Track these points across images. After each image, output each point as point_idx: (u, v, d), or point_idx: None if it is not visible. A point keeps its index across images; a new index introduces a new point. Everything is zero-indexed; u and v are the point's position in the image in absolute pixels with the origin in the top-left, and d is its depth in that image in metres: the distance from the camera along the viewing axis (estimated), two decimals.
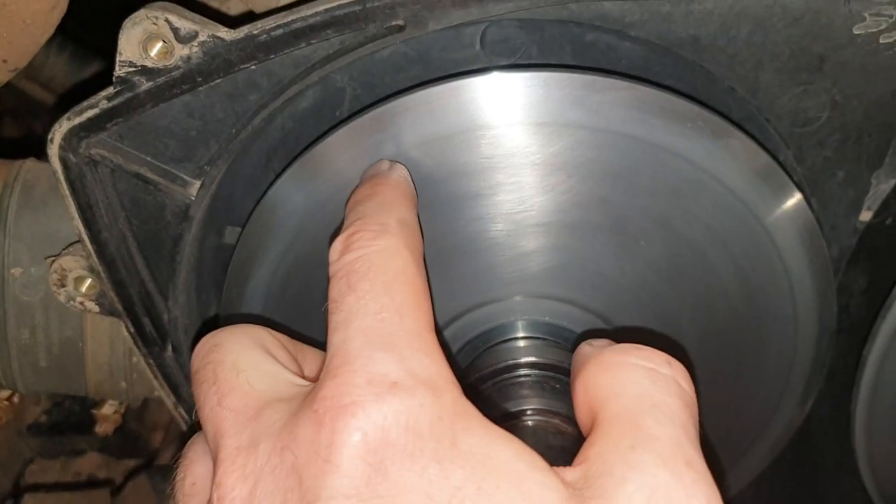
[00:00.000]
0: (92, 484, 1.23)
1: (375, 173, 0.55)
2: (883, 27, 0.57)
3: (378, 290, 0.43)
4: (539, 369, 0.60)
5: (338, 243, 0.47)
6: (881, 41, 0.57)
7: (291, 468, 0.37)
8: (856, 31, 0.57)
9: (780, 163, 0.60)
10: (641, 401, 0.40)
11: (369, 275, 0.44)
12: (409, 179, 0.56)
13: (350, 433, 0.37)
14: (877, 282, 0.69)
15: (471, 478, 0.36)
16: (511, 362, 0.61)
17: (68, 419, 1.35)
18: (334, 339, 0.42)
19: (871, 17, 0.56)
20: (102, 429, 1.03)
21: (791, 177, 0.61)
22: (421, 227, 0.52)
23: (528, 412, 0.57)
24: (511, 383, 0.60)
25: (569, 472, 0.38)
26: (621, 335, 0.63)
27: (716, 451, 0.73)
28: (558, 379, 0.59)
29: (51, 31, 0.75)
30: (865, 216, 0.66)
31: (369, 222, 0.48)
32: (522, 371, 0.60)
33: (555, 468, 0.38)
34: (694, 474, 0.37)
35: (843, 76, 0.59)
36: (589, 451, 0.39)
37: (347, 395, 0.38)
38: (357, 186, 0.55)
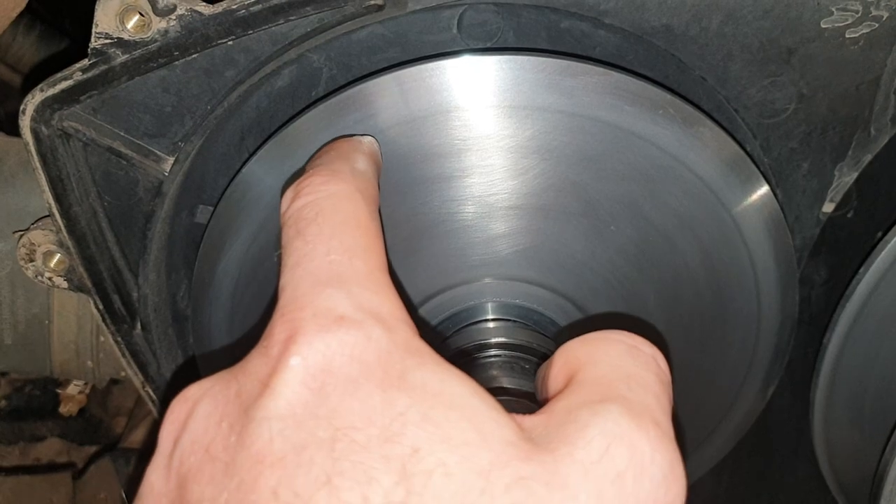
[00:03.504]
0: (53, 468, 1.22)
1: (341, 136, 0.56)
2: (849, 22, 0.58)
3: (326, 233, 0.43)
4: (509, 350, 0.61)
5: (289, 191, 0.46)
6: (847, 35, 0.59)
7: (235, 394, 0.38)
8: (823, 25, 0.58)
9: (747, 153, 0.61)
10: (618, 370, 0.40)
11: (318, 220, 0.43)
12: (375, 142, 0.55)
13: (289, 359, 0.37)
14: (837, 274, 0.71)
15: (417, 406, 0.35)
16: (481, 342, 0.62)
17: (29, 404, 1.33)
18: (283, 282, 0.41)
19: (839, 12, 0.58)
20: (67, 409, 1.02)
21: (758, 167, 0.62)
22: (380, 187, 0.51)
23: (497, 391, 0.58)
24: (481, 363, 0.61)
25: (527, 419, 0.37)
26: (604, 324, 0.64)
27: (685, 437, 0.74)
28: (527, 360, 0.60)
29: (22, 5, 0.74)
30: (828, 208, 0.67)
31: (322, 169, 0.47)
32: (492, 351, 0.61)
33: (511, 414, 0.37)
34: (660, 432, 0.37)
35: (810, 69, 0.60)
36: (554, 405, 0.38)
37: (293, 328, 0.38)
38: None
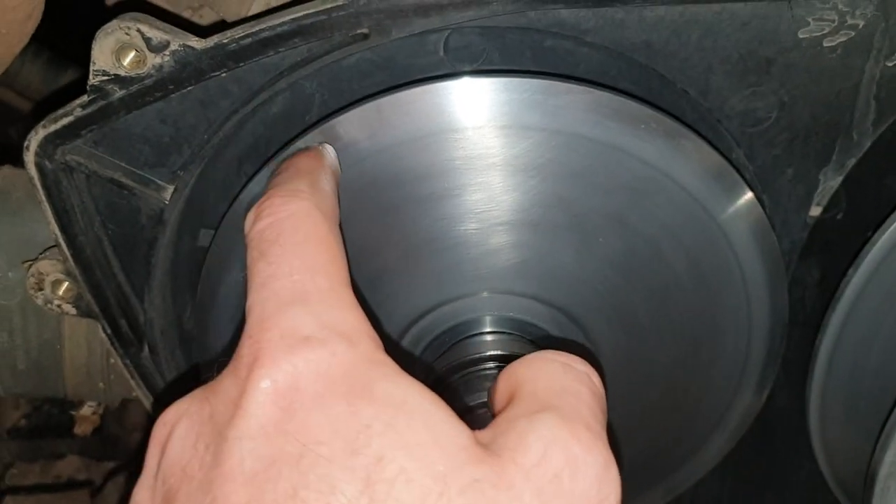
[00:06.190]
0: (72, 485, 1.24)
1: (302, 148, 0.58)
2: (826, 31, 0.59)
3: (288, 253, 0.44)
4: (504, 362, 0.62)
5: (251, 213, 0.48)
6: (824, 44, 0.60)
7: (209, 416, 0.40)
8: (801, 35, 0.60)
9: (731, 161, 0.63)
10: (553, 384, 0.43)
11: (279, 240, 0.45)
12: (334, 154, 0.58)
13: (260, 381, 0.39)
14: (829, 275, 0.72)
15: (381, 416, 0.38)
16: (477, 356, 0.63)
17: (47, 423, 1.35)
18: (249, 303, 0.43)
19: (815, 22, 0.59)
20: (81, 429, 1.04)
21: (742, 175, 0.63)
22: (340, 202, 0.53)
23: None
24: (477, 376, 0.62)
25: (478, 433, 0.40)
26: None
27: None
28: None
29: (25, 40, 0.76)
30: (815, 211, 0.68)
31: (281, 189, 0.49)
32: (489, 364, 0.63)
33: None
34: (592, 435, 0.40)
35: (789, 78, 0.61)
36: (499, 419, 0.41)
37: (261, 350, 0.40)
38: None
